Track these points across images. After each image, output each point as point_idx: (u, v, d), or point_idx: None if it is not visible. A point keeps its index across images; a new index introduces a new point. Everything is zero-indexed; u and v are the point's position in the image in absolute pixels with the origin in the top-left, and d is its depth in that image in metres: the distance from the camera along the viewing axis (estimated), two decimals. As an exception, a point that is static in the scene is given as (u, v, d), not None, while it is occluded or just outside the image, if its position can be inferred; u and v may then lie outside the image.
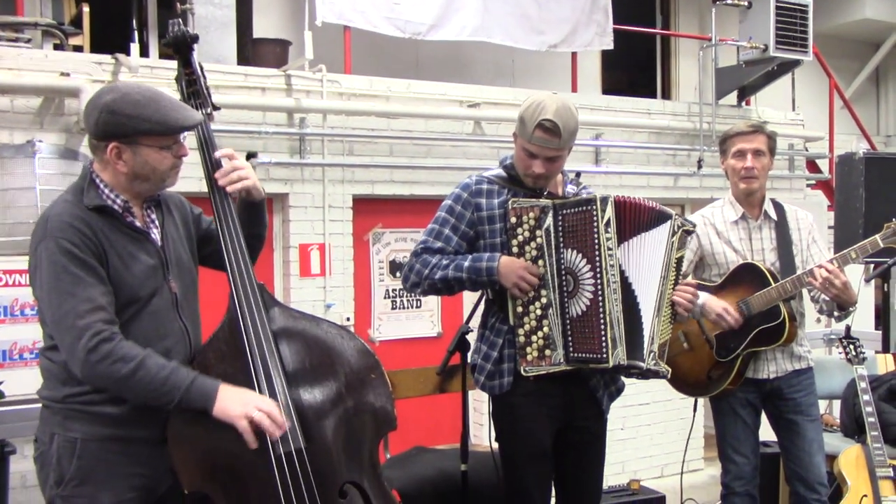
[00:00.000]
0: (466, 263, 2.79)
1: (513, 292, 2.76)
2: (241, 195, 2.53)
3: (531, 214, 2.77)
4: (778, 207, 3.57)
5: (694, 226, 2.88)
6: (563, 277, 2.76)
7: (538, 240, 2.77)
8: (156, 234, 2.41)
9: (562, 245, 2.76)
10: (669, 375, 2.83)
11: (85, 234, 2.24)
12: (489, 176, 2.92)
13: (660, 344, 2.77)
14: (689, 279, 2.99)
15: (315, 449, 2.34)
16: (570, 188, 2.97)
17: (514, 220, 2.78)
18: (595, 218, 2.70)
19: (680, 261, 2.84)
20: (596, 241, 2.70)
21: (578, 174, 3.07)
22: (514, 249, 2.78)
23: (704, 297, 3.39)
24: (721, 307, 3.35)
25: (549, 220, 2.77)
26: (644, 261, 2.76)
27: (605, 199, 2.71)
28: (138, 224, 2.37)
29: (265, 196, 2.61)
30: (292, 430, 2.31)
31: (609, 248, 2.70)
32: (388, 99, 5.21)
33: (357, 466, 2.42)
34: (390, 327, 5.36)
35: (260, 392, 2.32)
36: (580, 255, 2.73)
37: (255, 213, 2.60)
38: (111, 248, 2.28)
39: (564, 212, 2.76)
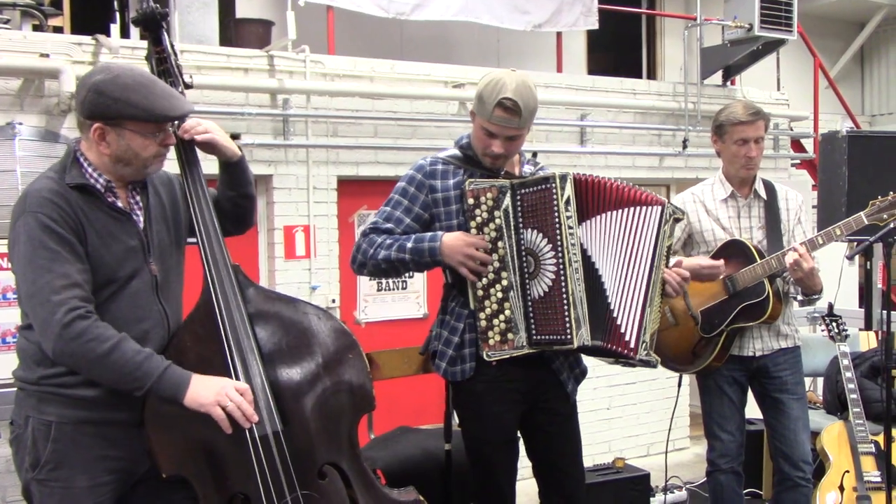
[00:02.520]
0: (409, 244, 2.72)
1: (461, 272, 2.70)
2: (217, 157, 2.53)
3: (489, 195, 2.70)
4: (768, 187, 3.58)
5: (683, 213, 2.80)
6: (524, 258, 2.70)
7: (497, 220, 2.70)
8: (139, 215, 2.39)
9: (521, 225, 2.70)
10: (659, 365, 2.79)
11: (64, 210, 2.22)
12: (444, 156, 2.85)
13: (650, 333, 2.70)
14: (679, 258, 2.94)
15: (293, 430, 2.34)
16: (528, 168, 2.90)
17: (471, 201, 2.71)
18: (554, 196, 2.63)
19: (669, 248, 2.75)
20: (556, 219, 2.63)
21: (535, 153, 3.00)
22: (473, 231, 2.71)
23: (687, 261, 3.39)
24: (697, 263, 3.29)
25: (508, 200, 2.70)
26: (617, 242, 2.68)
27: (563, 177, 2.65)
28: (120, 205, 2.35)
29: (241, 153, 2.58)
30: (269, 412, 2.31)
31: (570, 227, 2.64)
32: (373, 80, 5.18)
33: (336, 447, 2.42)
34: (376, 309, 5.35)
35: (235, 374, 2.31)
36: (540, 234, 2.67)
37: (236, 173, 2.57)
38: (90, 227, 2.26)
39: (523, 191, 2.70)
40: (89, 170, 2.31)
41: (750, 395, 3.67)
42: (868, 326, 5.15)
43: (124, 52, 4.44)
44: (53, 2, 5.02)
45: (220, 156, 2.55)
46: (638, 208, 2.68)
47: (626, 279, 2.68)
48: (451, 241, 2.70)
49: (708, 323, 3.49)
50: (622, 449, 5.72)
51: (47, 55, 4.28)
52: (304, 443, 2.35)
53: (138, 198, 2.42)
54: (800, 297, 3.44)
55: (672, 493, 4.86)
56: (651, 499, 4.57)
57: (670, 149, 6.16)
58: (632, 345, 2.66)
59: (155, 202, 2.46)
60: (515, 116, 2.67)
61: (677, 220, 2.75)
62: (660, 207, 2.67)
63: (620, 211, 2.68)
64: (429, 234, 2.75)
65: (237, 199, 2.58)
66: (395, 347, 3.75)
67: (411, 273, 5.32)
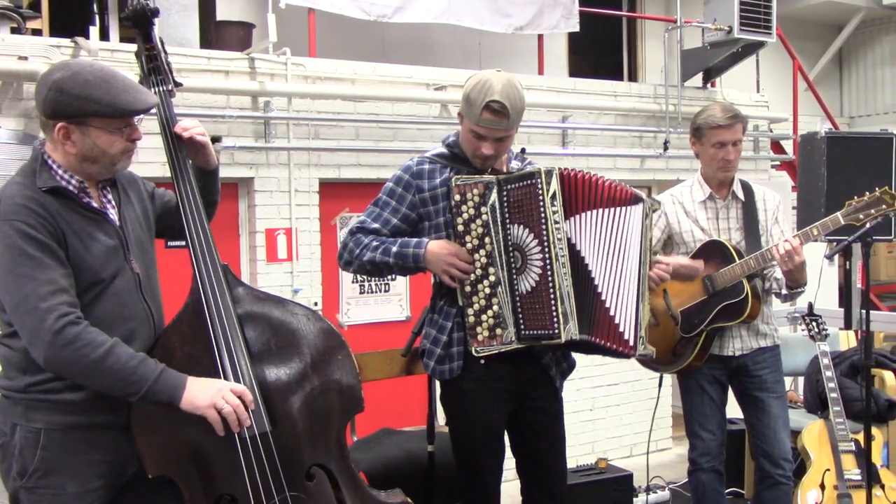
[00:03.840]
0: (394, 248, 2.74)
1: (444, 280, 2.71)
2: (197, 163, 2.52)
3: (475, 191, 2.71)
4: (746, 188, 3.61)
5: (660, 203, 2.85)
6: (511, 254, 2.71)
7: (483, 217, 2.71)
8: (113, 214, 2.36)
9: (508, 221, 2.71)
10: (655, 355, 2.81)
11: (41, 216, 2.17)
12: (430, 156, 2.86)
13: (645, 327, 2.73)
14: (660, 257, 2.97)
15: (281, 432, 2.32)
16: (515, 164, 2.91)
17: (457, 197, 2.72)
18: (540, 191, 2.64)
19: (651, 241, 2.82)
20: (542, 214, 2.64)
21: (523, 150, 3.00)
22: (460, 228, 2.72)
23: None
24: (677, 262, 3.33)
25: (494, 196, 2.71)
26: (606, 239, 2.70)
27: (549, 172, 2.65)
28: (95, 205, 2.31)
29: (217, 165, 2.58)
30: (257, 413, 2.28)
31: (556, 222, 2.65)
32: (354, 82, 5.18)
33: (324, 449, 2.41)
34: (359, 311, 5.34)
35: (224, 374, 2.29)
36: (527, 229, 2.68)
37: (212, 181, 2.57)
38: (69, 229, 2.21)
39: (509, 187, 2.71)
40: (59, 171, 2.25)
41: (731, 394, 3.69)
42: (848, 326, 5.19)
43: (104, 54, 4.41)
44: (32, 4, 4.98)
45: (203, 161, 2.53)
46: (623, 205, 2.70)
47: (616, 276, 2.70)
48: (436, 248, 2.71)
49: (688, 323, 3.51)
50: (605, 450, 5.74)
51: (26, 58, 4.25)
52: (292, 444, 2.34)
53: (110, 196, 2.38)
54: (784, 292, 3.46)
55: (655, 493, 4.88)
56: (634, 499, 4.58)
57: (651, 150, 6.19)
58: (631, 342, 2.69)
59: (125, 200, 2.42)
60: (503, 118, 2.68)
61: (655, 211, 2.80)
62: (641, 202, 2.71)
63: (606, 207, 2.70)
64: (414, 240, 2.76)
65: (205, 207, 2.53)
66: (377, 350, 3.75)
67: (394, 276, 5.40)
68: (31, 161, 2.29)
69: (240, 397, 2.23)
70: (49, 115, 2.22)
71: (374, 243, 2.76)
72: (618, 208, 2.70)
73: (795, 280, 3.36)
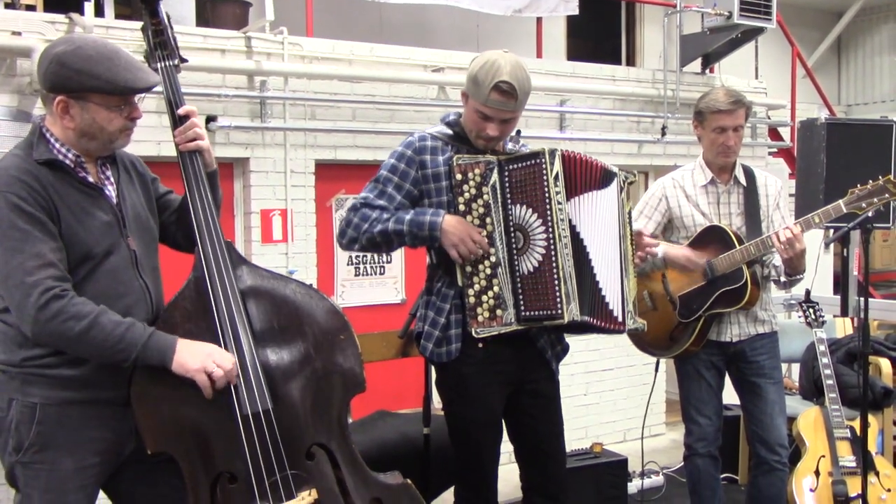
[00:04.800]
0: (408, 216, 2.70)
1: (450, 253, 2.68)
2: None
3: (476, 171, 2.69)
4: (748, 173, 3.59)
5: (635, 176, 2.84)
6: (513, 234, 2.69)
7: (485, 196, 2.69)
8: (111, 190, 2.34)
9: (509, 201, 2.69)
10: (646, 328, 2.83)
11: (34, 189, 2.16)
12: (433, 133, 2.83)
13: (632, 301, 2.77)
14: (643, 230, 2.98)
15: (282, 410, 2.31)
16: (511, 146, 2.90)
17: (459, 176, 2.70)
18: (544, 171, 2.63)
19: (630, 214, 2.82)
20: (546, 194, 2.63)
21: (519, 132, 2.97)
22: (461, 207, 2.70)
23: (665, 247, 3.43)
24: (684, 255, 3.39)
25: (495, 176, 2.69)
26: (598, 220, 2.71)
27: (553, 153, 2.64)
28: (91, 180, 2.29)
29: (216, 168, 2.54)
30: (259, 390, 2.28)
31: (559, 203, 2.63)
32: (351, 63, 5.13)
33: (325, 428, 2.40)
34: (354, 294, 5.32)
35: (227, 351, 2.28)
36: (530, 209, 2.66)
37: (211, 184, 2.52)
38: (62, 204, 2.20)
39: (511, 167, 2.69)
40: (56, 145, 2.25)
41: (728, 381, 3.69)
42: (844, 313, 5.20)
43: (98, 30, 4.35)
44: (26, -21, 4.92)
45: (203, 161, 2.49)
46: (604, 182, 2.73)
47: (603, 254, 2.71)
48: (454, 221, 2.69)
49: (686, 308, 3.49)
50: (599, 435, 5.73)
51: (19, 33, 4.19)
52: (292, 422, 2.33)
53: (108, 172, 2.36)
54: (782, 279, 3.45)
55: (649, 477, 4.88)
56: (628, 484, 4.58)
57: (649, 136, 6.16)
58: (619, 318, 2.72)
59: (126, 178, 2.41)
60: (512, 99, 2.66)
61: (631, 184, 2.82)
62: (615, 177, 2.74)
63: (598, 188, 2.72)
64: (430, 209, 2.73)
65: None
66: (373, 332, 3.73)
67: (389, 258, 5.38)
68: (30, 134, 2.28)
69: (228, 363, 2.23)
70: (49, 88, 2.21)
71: (385, 215, 2.72)
72: (601, 186, 2.72)
73: (794, 267, 3.35)
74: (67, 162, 2.25)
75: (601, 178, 2.72)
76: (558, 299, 2.62)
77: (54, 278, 2.14)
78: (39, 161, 2.21)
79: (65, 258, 2.19)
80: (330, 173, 5.16)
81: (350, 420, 3.76)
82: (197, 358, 2.21)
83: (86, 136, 2.25)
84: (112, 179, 2.36)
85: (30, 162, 2.20)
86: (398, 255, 5.43)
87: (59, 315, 2.12)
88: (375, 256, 5.31)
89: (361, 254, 5.27)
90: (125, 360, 2.18)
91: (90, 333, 2.14)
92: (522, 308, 2.69)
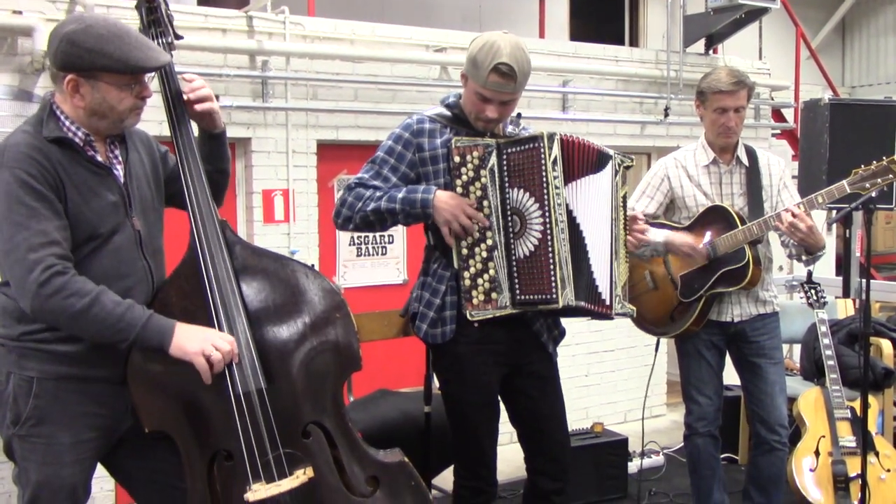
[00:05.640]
0: (400, 195, 2.69)
1: (442, 231, 2.67)
2: (202, 126, 2.48)
3: (475, 153, 2.68)
4: (750, 153, 3.57)
5: (632, 160, 2.83)
6: (510, 218, 2.68)
7: (483, 179, 2.68)
8: (119, 170, 2.34)
9: (507, 185, 2.68)
10: (636, 314, 2.84)
11: (42, 166, 2.16)
12: (431, 115, 2.82)
13: (621, 286, 2.76)
14: (638, 214, 2.96)
15: (277, 388, 2.32)
16: (510, 129, 2.88)
17: (457, 159, 2.69)
18: (542, 156, 2.62)
19: (625, 198, 2.80)
20: (544, 179, 2.62)
21: (519, 115, 2.95)
22: (459, 190, 2.69)
23: (668, 235, 3.43)
24: (687, 244, 3.38)
25: (494, 160, 2.68)
26: (592, 204, 2.70)
27: (551, 137, 2.63)
28: (100, 159, 2.29)
29: (225, 127, 2.54)
30: (253, 369, 2.28)
31: (556, 187, 2.63)
32: (353, 42, 5.11)
33: (321, 407, 2.40)
34: (355, 274, 5.32)
35: (220, 330, 2.28)
36: (527, 193, 2.65)
37: (218, 146, 2.54)
38: (70, 182, 2.21)
39: (509, 150, 2.68)
40: (66, 123, 2.25)
41: (729, 362, 3.69)
42: (846, 294, 5.19)
43: (99, 9, 4.34)
44: (26, -42, 4.89)
45: (210, 124, 2.49)
46: (599, 165, 2.72)
47: (595, 237, 2.71)
48: (445, 197, 2.67)
49: (687, 288, 3.49)
50: (600, 415, 5.75)
51: (20, 12, 4.18)
52: (288, 401, 2.33)
53: (117, 152, 2.36)
54: (804, 257, 3.43)
55: (650, 457, 4.90)
56: (629, 463, 4.60)
57: (652, 117, 6.14)
58: (607, 302, 2.71)
59: (135, 158, 2.41)
60: (511, 81, 2.64)
61: (629, 168, 2.80)
62: (610, 160, 2.72)
63: (593, 172, 2.71)
64: (422, 186, 2.72)
65: (213, 174, 2.50)
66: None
67: (391, 238, 5.38)
68: (40, 110, 2.28)
69: (228, 344, 2.23)
70: (60, 66, 2.21)
71: (378, 194, 2.72)
72: (596, 169, 2.72)
73: (811, 245, 3.33)
74: (77, 140, 2.25)
75: (596, 160, 2.72)
76: (553, 284, 2.61)
77: (57, 256, 2.14)
78: (49, 138, 2.21)
79: (69, 237, 2.19)
80: (332, 153, 5.15)
81: (351, 398, 3.78)
82: (195, 342, 2.21)
83: (96, 114, 2.25)
84: (120, 158, 2.36)
85: (39, 139, 2.20)
86: (400, 235, 5.43)
87: (61, 291, 2.12)
88: (377, 237, 5.31)
89: (362, 234, 5.27)
90: (124, 340, 2.18)
91: (91, 310, 2.14)
92: (518, 292, 2.69)
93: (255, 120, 4.82)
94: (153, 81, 2.36)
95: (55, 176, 2.18)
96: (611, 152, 2.74)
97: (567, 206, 2.67)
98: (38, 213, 2.14)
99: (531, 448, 2.95)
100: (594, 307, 2.71)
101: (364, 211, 2.72)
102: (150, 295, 2.36)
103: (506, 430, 2.95)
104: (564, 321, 2.99)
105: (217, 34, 4.72)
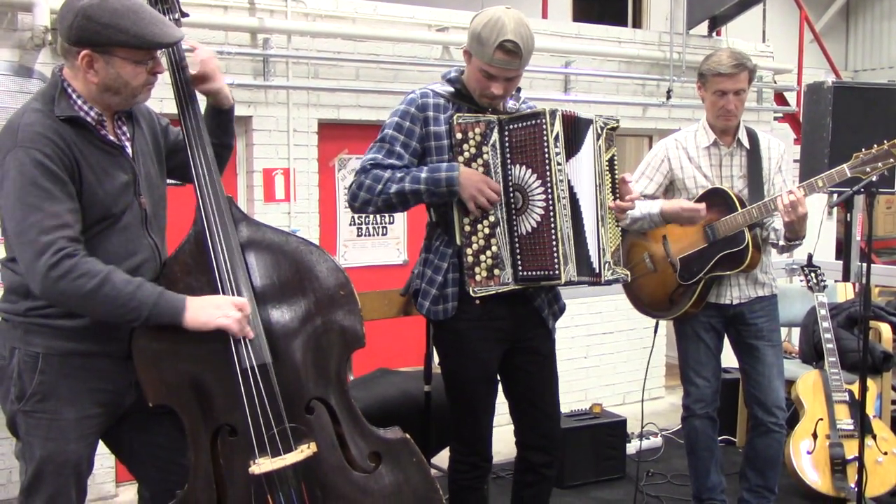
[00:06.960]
0: (423, 174, 2.67)
1: (468, 205, 2.67)
2: (210, 101, 2.48)
3: (477, 130, 2.68)
4: (752, 136, 3.56)
5: (617, 121, 2.80)
6: (512, 194, 2.69)
7: (485, 156, 2.68)
8: (128, 147, 2.33)
9: (509, 161, 2.68)
10: (630, 279, 2.82)
11: (58, 146, 2.15)
12: (434, 89, 2.80)
13: (612, 252, 2.73)
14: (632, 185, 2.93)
15: (282, 364, 2.32)
16: (512, 104, 2.87)
17: (459, 136, 2.68)
18: (545, 132, 2.61)
19: (612, 161, 2.76)
20: (546, 155, 2.62)
21: (519, 89, 2.92)
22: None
23: (662, 202, 3.41)
24: (679, 206, 3.35)
25: (496, 136, 2.68)
26: (584, 174, 2.70)
27: (553, 113, 2.62)
28: (111, 138, 2.28)
29: (234, 103, 2.54)
30: (259, 343, 2.29)
31: (558, 164, 2.62)
32: (355, 21, 5.09)
33: (324, 383, 2.41)
34: (356, 254, 5.33)
35: None
36: (530, 170, 2.65)
37: (225, 121, 2.53)
38: (85, 163, 2.20)
39: (511, 126, 2.68)
40: (79, 101, 2.23)
41: (727, 344, 3.70)
42: (846, 278, 5.20)
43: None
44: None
45: (218, 99, 2.49)
46: (585, 131, 2.69)
47: (586, 208, 2.70)
48: (469, 173, 2.67)
49: (687, 270, 3.50)
50: (599, 397, 5.77)
51: (21, -13, 4.16)
52: (292, 376, 2.34)
53: (125, 128, 2.35)
54: (781, 243, 3.43)
55: (648, 439, 4.92)
56: (627, 444, 4.62)
57: (654, 99, 6.12)
58: (596, 270, 2.70)
59: (139, 134, 2.40)
60: (516, 58, 2.63)
61: (614, 129, 2.76)
62: (591, 124, 2.69)
63: (583, 141, 2.70)
64: (444, 164, 2.70)
65: (217, 149, 2.49)
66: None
67: (392, 218, 5.38)
68: (50, 87, 2.25)
69: (241, 309, 2.24)
70: (74, 41, 2.17)
71: (399, 175, 2.69)
72: (584, 138, 2.69)
73: (795, 232, 3.33)
74: (90, 120, 2.23)
75: (578, 127, 2.69)
76: (556, 260, 2.62)
77: (68, 238, 2.13)
78: (62, 118, 2.19)
79: (80, 219, 2.19)
80: (333, 133, 5.14)
81: (351, 377, 3.79)
82: (209, 309, 2.21)
83: (109, 90, 2.23)
84: (128, 135, 2.35)
85: (52, 118, 2.18)
86: (400, 216, 5.43)
87: (71, 272, 2.11)
88: (378, 217, 5.30)
89: (364, 215, 5.26)
90: (136, 318, 2.18)
91: (102, 290, 2.13)
92: (520, 268, 2.70)
93: (256, 98, 4.81)
94: (162, 57, 2.34)
95: (70, 157, 2.17)
96: (590, 116, 2.71)
97: (569, 181, 2.67)
98: (52, 194, 2.13)
99: (523, 422, 2.96)
100: (587, 278, 2.72)
101: (387, 193, 2.69)
102: (157, 272, 2.36)
103: (505, 411, 2.96)
104: (565, 298, 3.00)
105: (218, 11, 4.70)
